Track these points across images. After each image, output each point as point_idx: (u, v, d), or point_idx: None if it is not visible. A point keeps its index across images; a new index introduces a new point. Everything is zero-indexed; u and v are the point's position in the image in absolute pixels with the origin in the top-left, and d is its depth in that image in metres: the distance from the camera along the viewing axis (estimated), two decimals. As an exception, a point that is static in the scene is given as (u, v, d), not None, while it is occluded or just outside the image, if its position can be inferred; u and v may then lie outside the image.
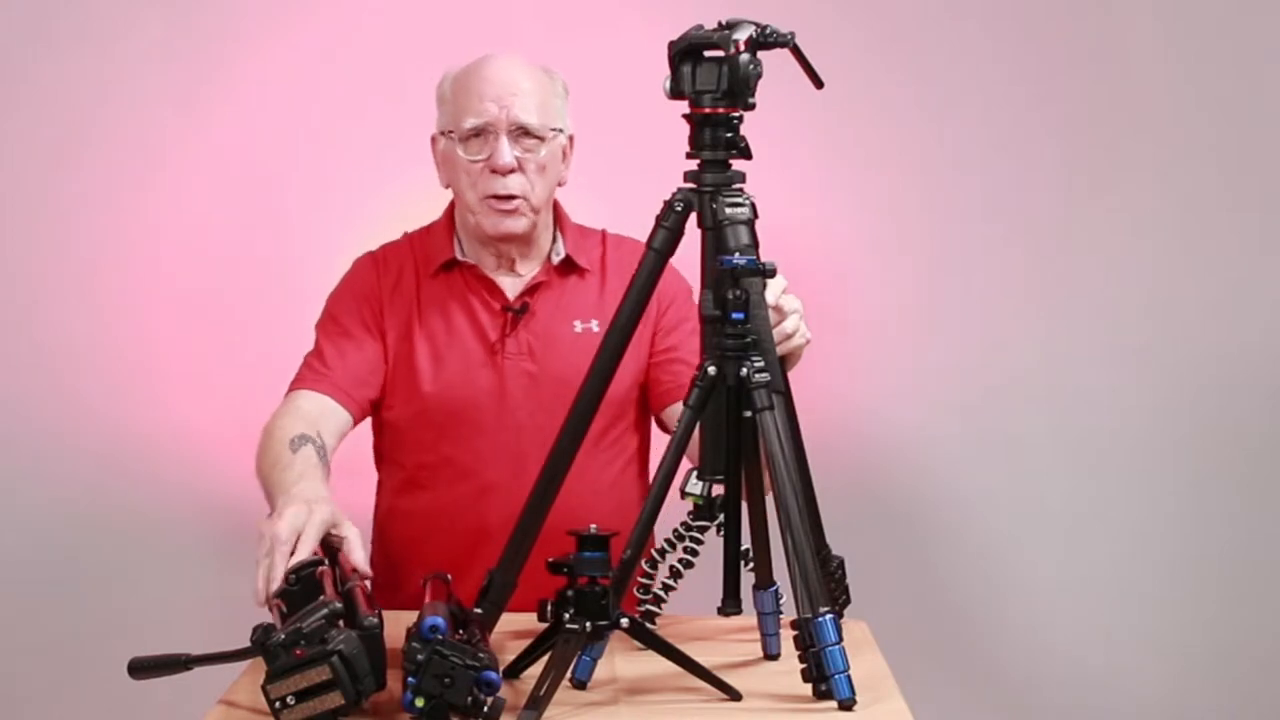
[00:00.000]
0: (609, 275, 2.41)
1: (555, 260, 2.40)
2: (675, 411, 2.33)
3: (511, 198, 2.31)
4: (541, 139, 2.32)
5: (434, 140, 2.40)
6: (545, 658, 1.84)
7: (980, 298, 2.99)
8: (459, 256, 2.39)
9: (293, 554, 1.86)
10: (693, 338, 2.37)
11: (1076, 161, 2.98)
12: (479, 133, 2.31)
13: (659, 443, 2.45)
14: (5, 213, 2.94)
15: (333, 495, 2.08)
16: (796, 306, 2.10)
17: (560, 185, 2.40)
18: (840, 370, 2.89)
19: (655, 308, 2.39)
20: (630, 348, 2.34)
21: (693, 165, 1.93)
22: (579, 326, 2.38)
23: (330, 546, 1.99)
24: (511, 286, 2.39)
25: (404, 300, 2.37)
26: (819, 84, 1.91)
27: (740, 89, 1.88)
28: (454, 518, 2.35)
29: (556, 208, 2.44)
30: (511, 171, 2.30)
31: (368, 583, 1.89)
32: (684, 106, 1.92)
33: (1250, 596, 3.03)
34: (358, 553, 1.92)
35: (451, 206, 2.43)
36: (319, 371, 2.32)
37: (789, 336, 2.08)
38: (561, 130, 2.36)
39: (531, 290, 2.38)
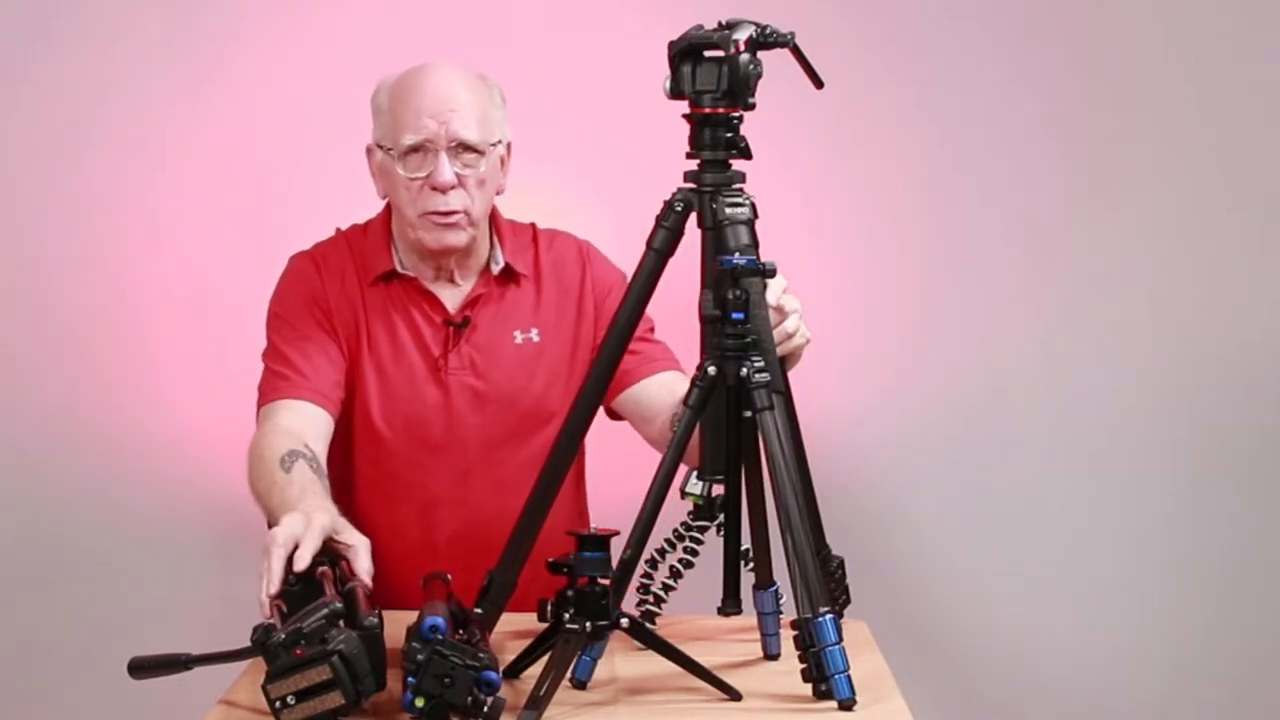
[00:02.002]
0: (544, 278, 2.40)
1: (495, 270, 2.38)
2: (630, 396, 2.35)
3: (452, 213, 2.28)
4: (481, 154, 2.28)
5: (370, 151, 2.37)
6: (545, 658, 1.85)
7: (980, 298, 2.99)
8: (398, 269, 2.36)
9: (292, 560, 1.85)
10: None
11: (1076, 161, 2.98)
12: (418, 149, 2.27)
13: (597, 452, 2.44)
14: (5, 212, 2.94)
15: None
16: (796, 306, 2.10)
17: (499, 194, 2.38)
18: (840, 370, 2.89)
19: (593, 300, 2.39)
20: (569, 353, 2.34)
21: (693, 165, 1.93)
22: (519, 337, 2.37)
23: (332, 552, 1.99)
24: (451, 299, 2.37)
25: (349, 307, 2.34)
26: (819, 84, 1.91)
27: (740, 89, 1.88)
28: (400, 533, 2.33)
29: (492, 213, 2.41)
30: (452, 188, 2.27)
31: (367, 579, 1.89)
32: (684, 106, 1.92)
33: (1250, 597, 3.03)
34: (364, 560, 1.90)
35: (388, 212, 2.40)
36: (289, 379, 2.27)
37: (789, 336, 2.08)
38: (500, 141, 2.33)
39: (472, 303, 2.36)
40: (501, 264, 2.38)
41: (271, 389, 2.28)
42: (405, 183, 2.29)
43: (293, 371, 2.28)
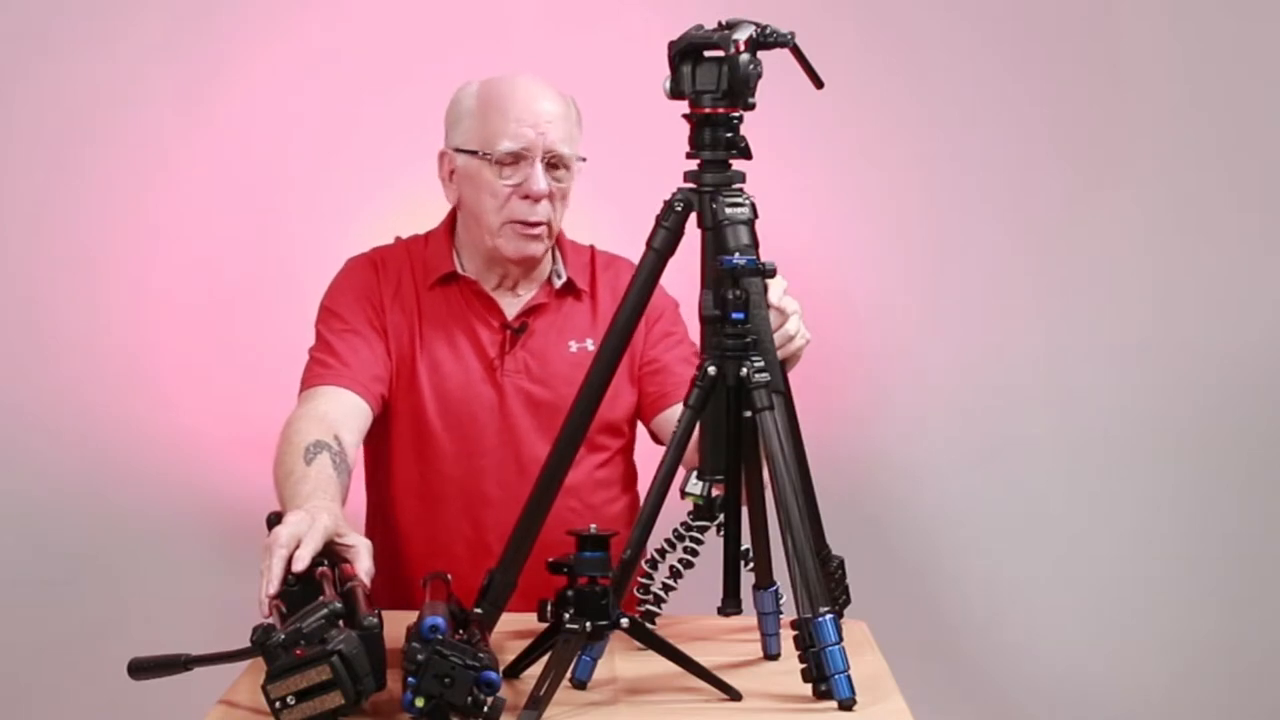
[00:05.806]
0: (600, 296, 2.42)
1: (557, 284, 2.40)
2: (667, 418, 2.35)
3: (539, 224, 2.31)
4: (569, 169, 2.32)
5: (443, 156, 2.37)
6: (545, 658, 1.85)
7: (980, 298, 2.99)
8: (459, 271, 2.38)
9: (292, 560, 1.85)
10: (679, 346, 2.39)
11: (1077, 161, 2.98)
12: (514, 158, 2.29)
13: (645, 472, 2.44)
14: (5, 213, 2.94)
15: (349, 498, 2.09)
16: (796, 308, 2.10)
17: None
18: (840, 370, 2.89)
19: (645, 319, 2.37)
20: (623, 365, 2.34)
21: (693, 165, 1.93)
22: (574, 346, 2.38)
23: (333, 554, 1.99)
24: (510, 306, 2.38)
25: (404, 308, 2.36)
26: (819, 84, 1.91)
27: (740, 89, 1.88)
28: (451, 531, 2.35)
29: None
30: (543, 198, 2.30)
31: (367, 580, 1.89)
32: (684, 106, 1.92)
33: (1250, 597, 3.03)
34: (365, 561, 1.90)
35: (451, 218, 2.41)
36: (333, 366, 2.28)
37: (789, 339, 2.08)
38: (583, 160, 2.36)
39: (530, 311, 2.38)
40: (564, 278, 2.40)
41: (314, 376, 2.29)
42: (495, 189, 2.30)
43: (336, 361, 2.29)
